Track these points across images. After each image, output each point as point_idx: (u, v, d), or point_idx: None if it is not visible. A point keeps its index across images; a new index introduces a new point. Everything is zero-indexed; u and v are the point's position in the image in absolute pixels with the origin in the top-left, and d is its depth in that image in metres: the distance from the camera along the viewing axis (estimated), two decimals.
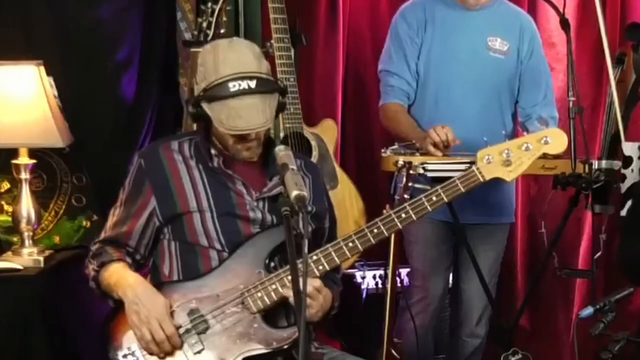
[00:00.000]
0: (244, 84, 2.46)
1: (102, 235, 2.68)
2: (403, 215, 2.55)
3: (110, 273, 2.57)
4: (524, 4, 4.10)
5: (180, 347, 2.49)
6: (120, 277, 2.55)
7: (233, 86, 2.46)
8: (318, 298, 2.51)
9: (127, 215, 2.62)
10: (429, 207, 2.56)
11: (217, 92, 2.47)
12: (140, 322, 2.46)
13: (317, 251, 2.53)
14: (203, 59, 2.55)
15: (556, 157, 2.95)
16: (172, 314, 2.50)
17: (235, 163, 2.63)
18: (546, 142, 2.63)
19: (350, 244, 2.53)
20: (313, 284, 2.48)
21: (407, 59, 3.51)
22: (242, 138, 2.55)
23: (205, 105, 2.50)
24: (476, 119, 3.47)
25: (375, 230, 2.54)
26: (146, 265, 2.70)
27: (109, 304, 2.63)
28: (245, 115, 2.46)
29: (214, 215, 2.57)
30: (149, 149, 2.74)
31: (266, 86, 2.51)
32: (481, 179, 2.60)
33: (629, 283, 2.76)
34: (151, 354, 2.49)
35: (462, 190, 2.58)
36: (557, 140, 2.65)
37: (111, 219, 2.67)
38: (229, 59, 2.50)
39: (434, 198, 2.57)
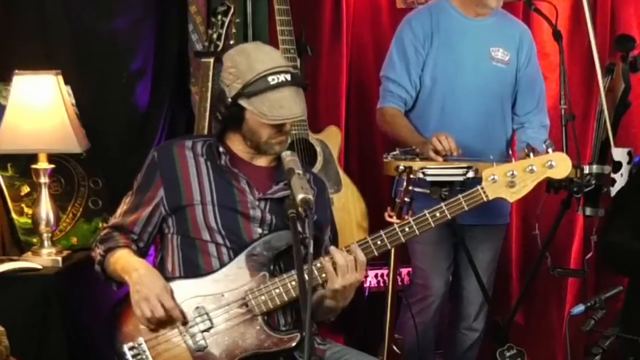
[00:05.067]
0: (281, 77, 2.56)
1: (112, 221, 2.75)
2: (407, 230, 2.58)
3: (117, 259, 2.63)
4: (518, 16, 4.08)
5: (182, 321, 2.53)
6: (127, 262, 2.61)
7: (272, 80, 2.55)
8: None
9: (138, 204, 2.69)
10: (432, 223, 2.58)
11: (257, 87, 2.55)
12: (140, 300, 2.51)
13: (321, 258, 2.55)
14: (233, 61, 2.61)
15: None
16: None
17: (243, 164, 2.69)
18: (551, 166, 2.60)
19: None
20: (359, 277, 2.54)
21: (409, 69, 3.55)
22: (278, 130, 2.62)
23: (244, 102, 2.57)
24: (479, 127, 3.53)
25: (379, 242, 2.57)
26: (148, 253, 2.76)
27: (113, 288, 2.70)
28: (286, 105, 2.56)
29: (215, 207, 2.62)
30: (164, 145, 2.83)
31: (298, 80, 2.62)
32: (485, 199, 2.59)
33: (618, 282, 2.83)
34: (152, 330, 2.54)
35: (466, 208, 2.60)
36: (561, 165, 2.62)
37: (122, 207, 2.74)
38: (262, 57, 2.60)
39: (438, 214, 2.59)
